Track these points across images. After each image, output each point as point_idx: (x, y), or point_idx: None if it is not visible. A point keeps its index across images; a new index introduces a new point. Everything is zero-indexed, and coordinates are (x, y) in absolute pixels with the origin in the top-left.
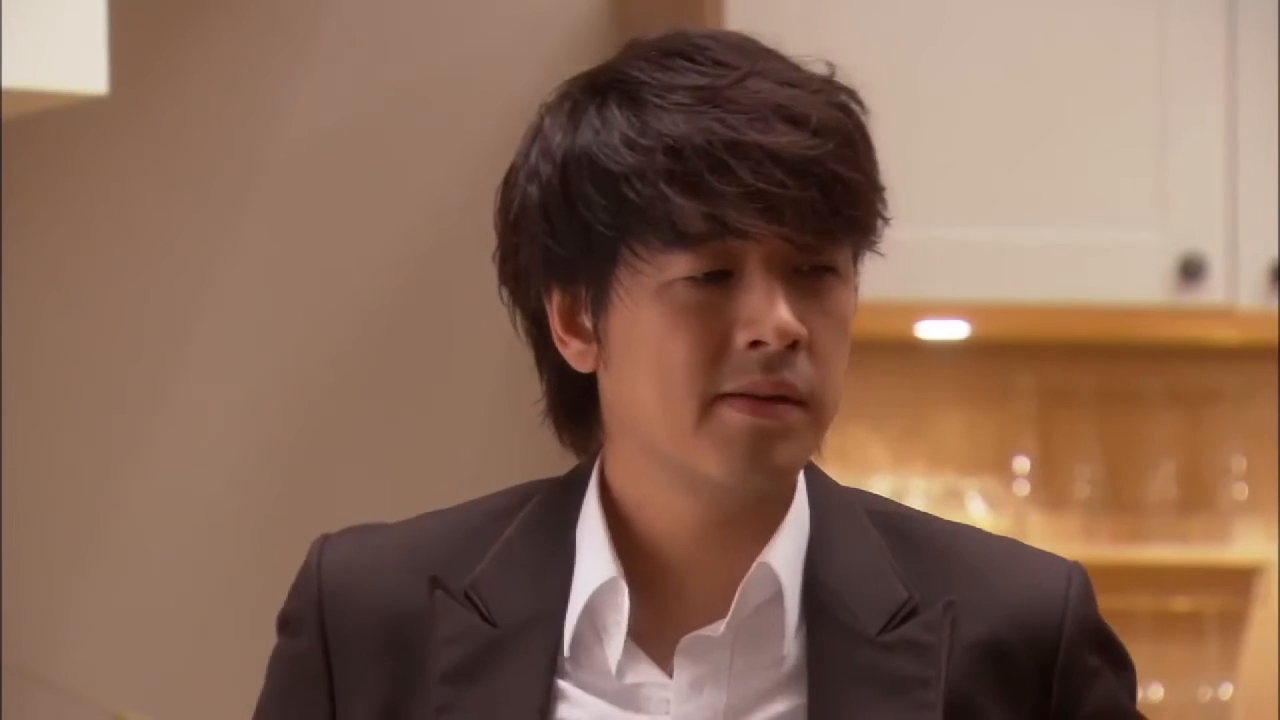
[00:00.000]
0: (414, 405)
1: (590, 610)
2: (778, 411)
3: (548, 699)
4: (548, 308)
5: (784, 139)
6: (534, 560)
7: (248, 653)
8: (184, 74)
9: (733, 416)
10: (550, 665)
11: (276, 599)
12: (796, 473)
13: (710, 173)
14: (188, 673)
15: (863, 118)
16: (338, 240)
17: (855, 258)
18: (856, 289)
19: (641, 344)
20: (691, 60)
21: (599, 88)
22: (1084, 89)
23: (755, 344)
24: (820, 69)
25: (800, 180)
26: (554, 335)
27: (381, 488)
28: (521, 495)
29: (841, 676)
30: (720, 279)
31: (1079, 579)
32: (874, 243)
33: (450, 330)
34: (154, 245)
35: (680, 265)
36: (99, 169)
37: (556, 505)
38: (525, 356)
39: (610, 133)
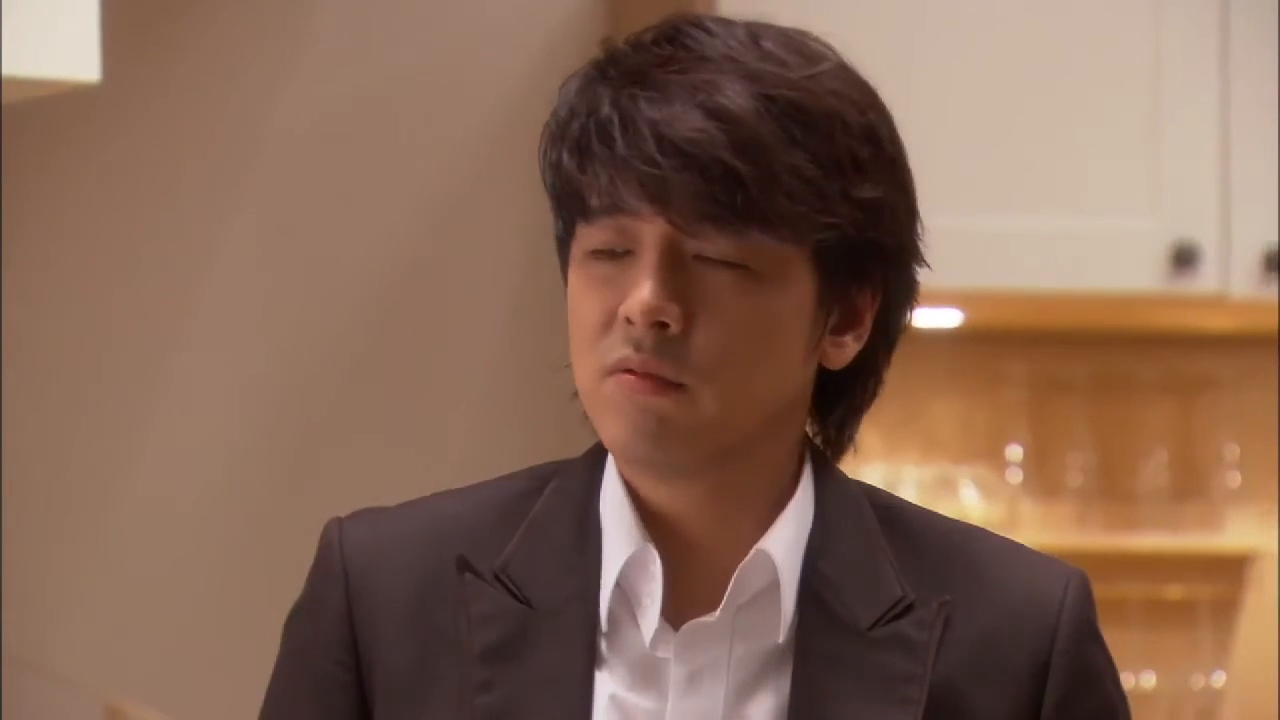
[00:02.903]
0: (408, 394)
1: (623, 583)
2: (655, 389)
3: (590, 675)
4: None
5: (673, 118)
6: (562, 540)
7: (243, 642)
8: (178, 61)
9: (614, 389)
10: (590, 642)
11: (272, 588)
12: (689, 454)
13: (599, 143)
14: (182, 662)
15: (804, 117)
16: (331, 227)
17: (829, 261)
18: (812, 288)
19: (569, 313)
20: (658, 43)
21: (589, 62)
22: (1077, 77)
23: (629, 320)
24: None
25: (679, 160)
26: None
27: (376, 476)
28: (540, 477)
29: (826, 666)
30: (623, 256)
31: (1078, 584)
32: (820, 244)
33: (445, 319)
34: (149, 233)
35: (590, 239)
36: (92, 157)
37: (577, 485)
38: (520, 345)
39: (562, 104)
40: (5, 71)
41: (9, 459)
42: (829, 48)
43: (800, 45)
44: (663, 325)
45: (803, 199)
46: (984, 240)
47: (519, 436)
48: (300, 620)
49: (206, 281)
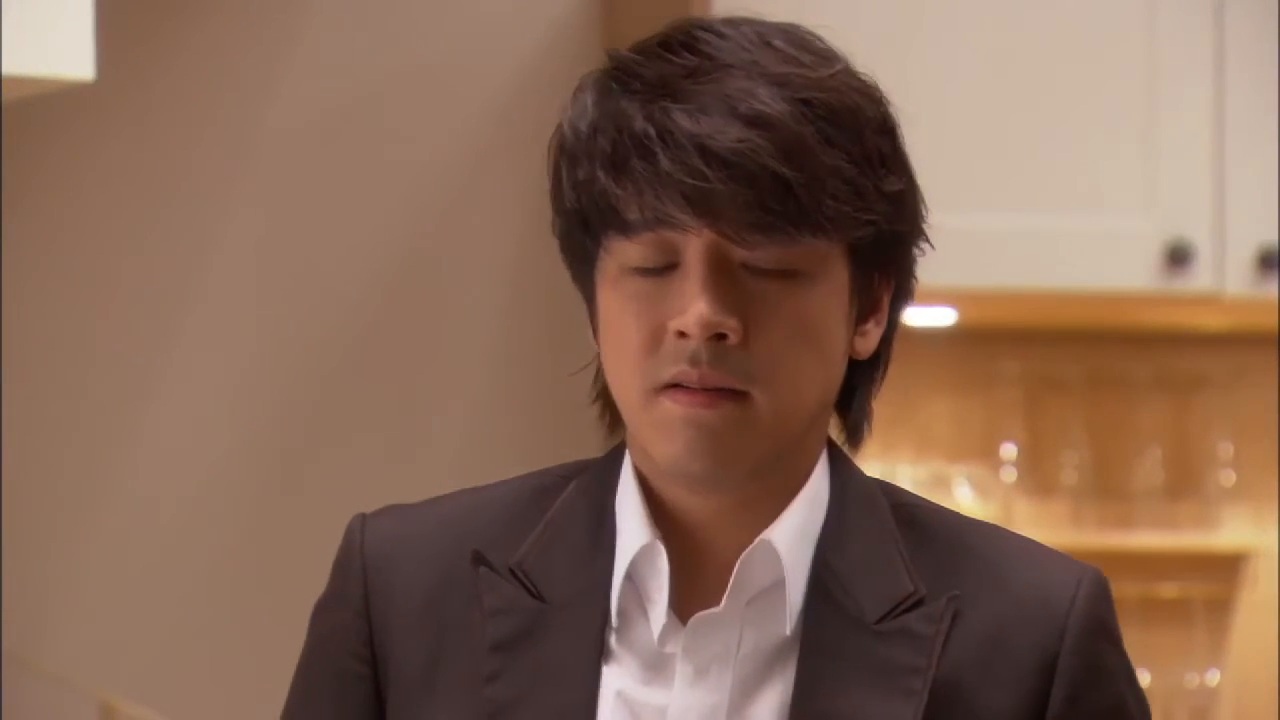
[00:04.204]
0: (404, 393)
1: (632, 578)
2: (712, 402)
3: (598, 667)
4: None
5: (715, 130)
6: (579, 537)
7: (238, 641)
8: (173, 60)
9: (669, 407)
10: (599, 636)
11: (267, 587)
12: (744, 464)
13: (638, 159)
14: (177, 661)
15: (836, 117)
16: (327, 225)
17: (861, 255)
18: (846, 282)
19: (606, 329)
20: (674, 51)
21: (599, 72)
22: (1071, 75)
23: (683, 335)
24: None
25: (725, 172)
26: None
27: (373, 476)
28: (565, 475)
29: (830, 658)
30: (665, 271)
31: (1091, 582)
32: (856, 240)
33: (440, 319)
34: (145, 231)
35: (628, 254)
36: (88, 155)
37: (597, 484)
38: (515, 344)
39: (580, 117)
40: (1, 70)
41: (7, 459)
42: (824, 41)
43: (806, 43)
44: (720, 337)
45: (846, 199)
46: (978, 239)
47: (514, 436)
48: (323, 613)
49: (203, 280)
